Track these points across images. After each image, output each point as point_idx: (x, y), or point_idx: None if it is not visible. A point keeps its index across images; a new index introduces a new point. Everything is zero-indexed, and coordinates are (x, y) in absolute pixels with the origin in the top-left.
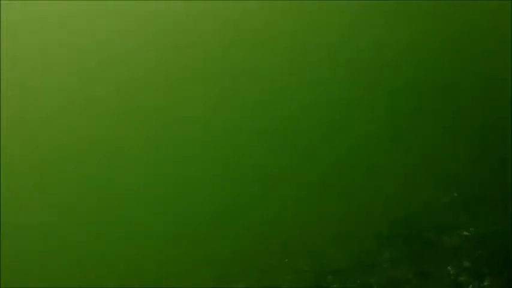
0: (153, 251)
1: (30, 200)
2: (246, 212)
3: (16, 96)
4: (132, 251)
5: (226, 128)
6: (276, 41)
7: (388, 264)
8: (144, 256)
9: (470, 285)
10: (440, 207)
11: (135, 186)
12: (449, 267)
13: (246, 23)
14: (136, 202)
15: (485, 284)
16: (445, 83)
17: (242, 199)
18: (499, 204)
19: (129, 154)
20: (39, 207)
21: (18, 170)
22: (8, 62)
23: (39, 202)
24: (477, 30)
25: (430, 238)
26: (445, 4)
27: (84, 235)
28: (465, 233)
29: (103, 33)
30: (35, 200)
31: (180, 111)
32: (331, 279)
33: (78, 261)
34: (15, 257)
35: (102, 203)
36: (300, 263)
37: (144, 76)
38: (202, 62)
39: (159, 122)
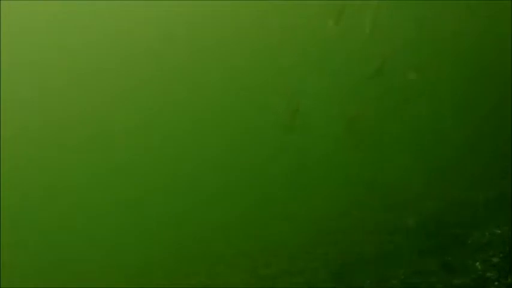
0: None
1: (30, 199)
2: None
3: (16, 96)
4: (141, 251)
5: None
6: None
7: (416, 256)
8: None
9: (496, 282)
10: (472, 204)
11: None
12: (477, 263)
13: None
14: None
15: (509, 281)
16: (479, 81)
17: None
18: None
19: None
20: (39, 207)
21: (18, 169)
22: (8, 62)
23: (39, 202)
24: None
25: (459, 234)
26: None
27: (84, 235)
28: (496, 230)
29: (103, 34)
30: (35, 200)
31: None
32: (358, 268)
33: (78, 262)
34: (15, 257)
35: (104, 204)
36: (327, 252)
37: (144, 76)
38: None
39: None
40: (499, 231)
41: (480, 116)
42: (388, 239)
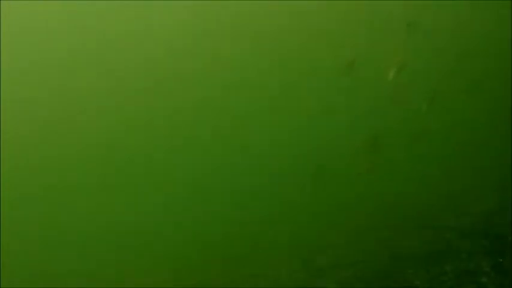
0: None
1: (30, 199)
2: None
3: (16, 96)
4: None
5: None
6: None
7: (465, 255)
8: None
9: None
10: None
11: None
12: None
13: None
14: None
15: None
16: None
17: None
18: None
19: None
20: (40, 207)
21: (18, 169)
22: (8, 62)
23: (39, 201)
24: None
25: (509, 234)
26: None
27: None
28: None
29: (103, 34)
30: (36, 199)
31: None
32: (406, 264)
33: (78, 262)
34: (15, 257)
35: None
36: (376, 248)
37: (146, 77)
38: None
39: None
40: None
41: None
42: (438, 237)
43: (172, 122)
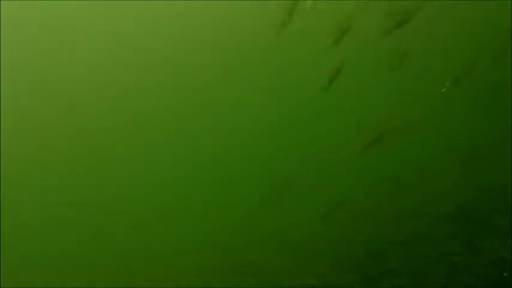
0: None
1: (30, 199)
2: None
3: (16, 95)
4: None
5: None
6: None
7: (443, 238)
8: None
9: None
10: (499, 191)
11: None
12: (495, 244)
13: None
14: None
15: None
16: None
17: None
18: None
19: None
20: (40, 206)
21: (18, 169)
22: (8, 62)
23: (39, 202)
24: None
25: (484, 218)
26: None
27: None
28: None
29: (103, 34)
30: (36, 200)
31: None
32: (389, 248)
33: (78, 262)
34: (15, 257)
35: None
36: (360, 235)
37: (146, 77)
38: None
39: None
40: None
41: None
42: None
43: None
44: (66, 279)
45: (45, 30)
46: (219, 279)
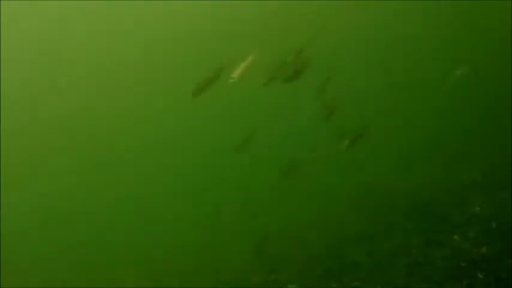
0: None
1: (30, 199)
2: None
3: (16, 96)
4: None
5: None
6: None
7: (403, 233)
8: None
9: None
10: (459, 187)
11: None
12: (455, 237)
13: None
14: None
15: (483, 250)
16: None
17: None
18: None
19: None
20: (40, 206)
21: (18, 170)
22: (8, 62)
23: (39, 201)
24: None
25: (444, 212)
26: None
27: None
28: (477, 208)
29: (103, 34)
30: (36, 200)
31: None
32: (353, 245)
33: (78, 262)
34: (15, 257)
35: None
36: (324, 231)
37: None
38: None
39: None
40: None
41: None
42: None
43: None
44: (66, 279)
45: (45, 30)
46: None
